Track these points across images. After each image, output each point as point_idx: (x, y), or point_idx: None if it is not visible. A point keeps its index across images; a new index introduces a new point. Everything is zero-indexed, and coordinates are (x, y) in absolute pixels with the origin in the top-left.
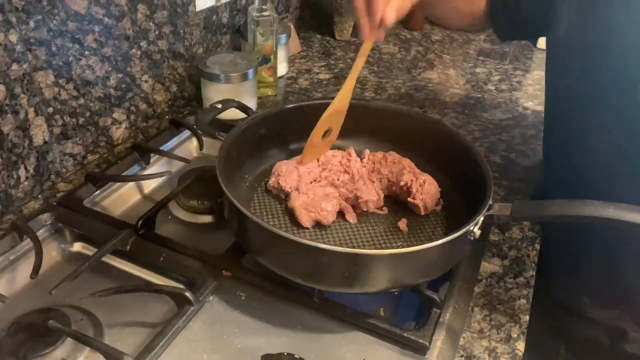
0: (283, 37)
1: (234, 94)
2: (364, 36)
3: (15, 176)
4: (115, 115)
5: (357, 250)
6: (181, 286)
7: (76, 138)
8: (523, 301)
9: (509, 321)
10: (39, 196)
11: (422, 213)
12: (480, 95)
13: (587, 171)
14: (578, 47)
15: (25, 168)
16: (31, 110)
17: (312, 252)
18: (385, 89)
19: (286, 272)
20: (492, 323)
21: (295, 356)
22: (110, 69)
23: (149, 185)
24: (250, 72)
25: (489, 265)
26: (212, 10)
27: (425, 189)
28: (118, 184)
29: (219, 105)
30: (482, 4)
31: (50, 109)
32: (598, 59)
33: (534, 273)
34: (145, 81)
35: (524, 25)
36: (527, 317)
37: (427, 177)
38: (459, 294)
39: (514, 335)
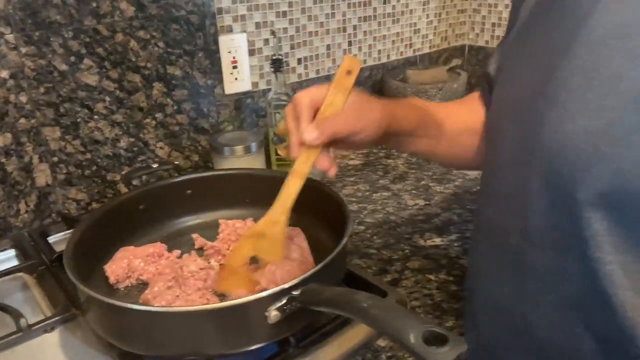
0: None
1: (239, 165)
2: (291, 153)
3: (15, 208)
4: (124, 172)
5: (118, 302)
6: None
7: (81, 186)
8: None
9: None
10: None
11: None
12: None
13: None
14: None
15: (26, 203)
16: (36, 157)
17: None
18: None
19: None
20: None
21: None
22: (120, 132)
23: None
24: (253, 145)
25: None
26: (247, 94)
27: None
28: None
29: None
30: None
31: (55, 159)
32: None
33: None
34: (161, 148)
35: None
36: None
37: (287, 262)
38: None
39: None
